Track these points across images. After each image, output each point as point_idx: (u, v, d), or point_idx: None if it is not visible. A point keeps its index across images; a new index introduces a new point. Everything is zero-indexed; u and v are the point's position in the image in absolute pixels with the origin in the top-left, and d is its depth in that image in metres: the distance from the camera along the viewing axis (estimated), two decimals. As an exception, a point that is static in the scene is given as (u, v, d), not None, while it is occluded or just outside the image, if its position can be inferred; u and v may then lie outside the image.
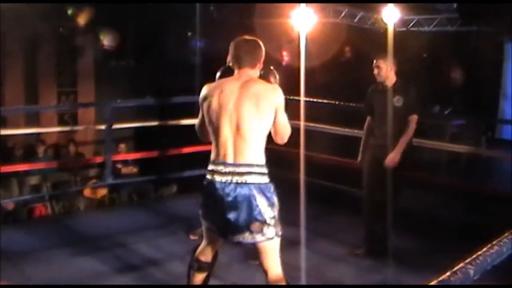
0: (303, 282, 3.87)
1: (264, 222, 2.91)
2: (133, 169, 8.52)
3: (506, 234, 1.67)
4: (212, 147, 3.05)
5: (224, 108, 2.98)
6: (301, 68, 4.55)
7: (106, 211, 7.00)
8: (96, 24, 9.68)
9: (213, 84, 3.14)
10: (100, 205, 8.19)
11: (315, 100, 6.08)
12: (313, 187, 5.12)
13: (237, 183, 2.90)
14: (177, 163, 6.64)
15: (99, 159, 7.19)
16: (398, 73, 4.51)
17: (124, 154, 8.41)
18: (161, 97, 8.49)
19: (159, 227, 5.35)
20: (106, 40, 9.79)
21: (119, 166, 8.30)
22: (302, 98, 4.39)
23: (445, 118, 7.89)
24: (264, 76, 3.18)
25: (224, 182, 2.92)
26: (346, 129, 5.96)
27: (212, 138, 3.06)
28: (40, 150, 8.49)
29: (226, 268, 4.29)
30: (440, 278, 1.30)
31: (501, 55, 11.31)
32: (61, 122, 9.71)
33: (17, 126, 8.79)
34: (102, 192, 8.36)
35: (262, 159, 2.97)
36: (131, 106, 8.13)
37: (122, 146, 8.73)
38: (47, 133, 9.14)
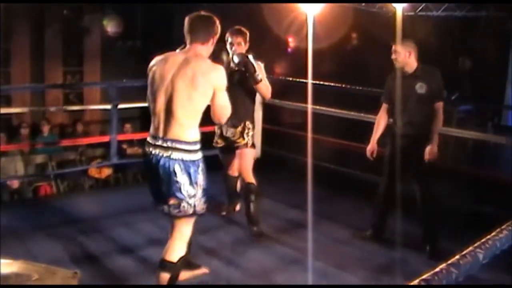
0: (307, 263, 3.89)
1: (181, 199, 2.99)
2: (138, 150, 8.52)
3: (515, 219, 1.67)
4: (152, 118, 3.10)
5: (162, 80, 3.02)
6: (309, 50, 4.51)
7: (111, 191, 7.03)
8: (103, 4, 9.64)
9: (161, 56, 3.18)
10: (105, 185, 8.23)
11: (321, 83, 6.05)
12: (319, 169, 5.11)
13: (162, 157, 2.97)
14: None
15: (104, 139, 7.19)
16: (419, 58, 4.31)
17: (130, 134, 8.41)
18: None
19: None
20: (110, 27, 9.75)
21: (124, 146, 8.32)
22: (310, 81, 4.36)
23: (452, 103, 7.85)
24: (217, 53, 3.29)
25: (155, 155, 3.00)
26: (353, 113, 5.91)
27: (150, 108, 3.11)
28: (45, 129, 8.50)
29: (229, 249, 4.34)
30: (450, 261, 1.31)
31: (509, 41, 11.20)
32: (67, 102, 9.71)
33: (22, 105, 8.80)
34: (107, 172, 8.39)
35: (191, 136, 3.00)
36: (137, 86, 8.10)
37: (128, 126, 8.74)
38: (52, 112, 9.14)
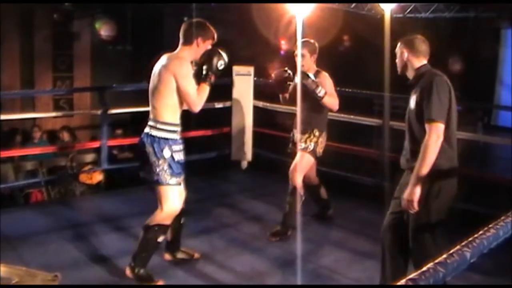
0: (298, 266, 3.90)
1: (150, 168, 3.59)
2: (129, 155, 8.50)
3: (502, 218, 1.68)
4: None
5: (152, 75, 3.68)
6: (298, 53, 4.53)
7: (102, 196, 6.99)
8: (93, 8, 9.62)
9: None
10: (96, 191, 8.20)
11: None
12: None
13: (146, 133, 3.66)
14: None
15: (95, 144, 7.17)
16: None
17: (120, 139, 8.38)
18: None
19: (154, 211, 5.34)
20: (103, 30, 9.72)
21: (115, 152, 8.29)
22: (299, 81, 4.36)
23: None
24: (207, 55, 3.66)
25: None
26: (343, 115, 5.91)
27: None
28: (36, 135, 8.46)
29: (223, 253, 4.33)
30: (437, 260, 1.31)
31: (498, 41, 11.29)
32: (57, 107, 9.68)
33: (12, 111, 8.76)
34: (98, 177, 8.35)
35: (166, 118, 3.59)
36: (128, 91, 8.09)
37: (119, 132, 8.71)
38: (42, 118, 9.10)
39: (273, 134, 6.85)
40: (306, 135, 4.62)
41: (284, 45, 11.07)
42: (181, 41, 3.65)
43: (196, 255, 4.18)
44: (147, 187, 3.78)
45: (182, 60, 3.57)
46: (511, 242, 1.72)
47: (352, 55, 10.55)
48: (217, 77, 3.73)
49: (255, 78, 6.48)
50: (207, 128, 6.65)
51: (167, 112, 3.60)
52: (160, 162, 3.58)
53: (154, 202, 5.77)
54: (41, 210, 5.65)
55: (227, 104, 6.66)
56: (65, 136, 8.96)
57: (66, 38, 9.81)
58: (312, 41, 4.62)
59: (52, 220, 5.07)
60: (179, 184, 3.75)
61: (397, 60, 3.38)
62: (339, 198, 5.41)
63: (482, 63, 10.77)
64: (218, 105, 6.63)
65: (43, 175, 7.98)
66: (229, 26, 9.79)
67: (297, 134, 4.68)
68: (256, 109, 6.68)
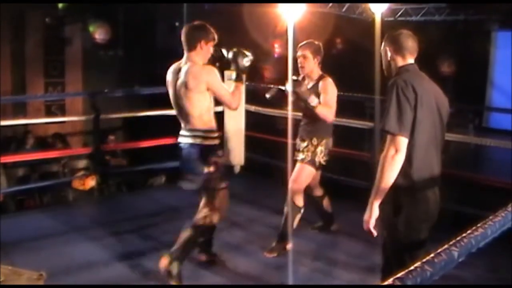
0: (291, 269, 3.90)
1: (198, 177, 3.66)
2: (122, 161, 8.49)
3: (490, 217, 1.69)
4: None
5: (170, 87, 3.79)
6: (289, 56, 4.53)
7: (95, 202, 6.98)
8: (84, 13, 9.61)
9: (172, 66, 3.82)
10: (89, 196, 8.17)
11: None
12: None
13: (190, 144, 3.70)
14: (166, 154, 6.63)
15: (87, 150, 7.16)
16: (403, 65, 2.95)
17: (113, 145, 8.37)
18: (149, 87, 8.46)
19: (148, 217, 5.35)
20: (98, 34, 9.71)
21: (107, 157, 8.27)
22: (289, 87, 4.37)
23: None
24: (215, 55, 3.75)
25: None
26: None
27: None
28: (28, 141, 8.43)
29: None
30: (424, 260, 1.32)
31: (489, 43, 11.35)
32: (49, 113, 9.65)
33: (3, 117, 8.71)
34: (91, 183, 8.32)
35: (207, 125, 3.66)
36: (120, 96, 8.09)
37: (112, 138, 8.70)
38: (34, 124, 9.07)
39: (266, 138, 6.86)
40: (304, 144, 4.44)
41: (277, 48, 11.09)
42: (186, 47, 3.69)
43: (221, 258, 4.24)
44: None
45: (206, 68, 3.64)
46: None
47: (344, 58, 10.58)
48: (247, 73, 3.87)
49: (247, 83, 6.48)
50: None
51: (206, 120, 3.68)
52: (211, 169, 3.66)
53: (150, 206, 5.81)
54: (34, 216, 5.63)
55: (219, 108, 6.66)
56: (57, 142, 8.93)
57: (58, 43, 9.79)
58: (316, 42, 4.43)
59: (44, 226, 5.05)
60: (227, 187, 3.83)
61: (382, 60, 3.04)
62: (331, 200, 5.41)
63: (473, 66, 10.82)
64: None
65: (35, 181, 7.96)
66: (220, 30, 9.80)
67: (299, 142, 4.52)
68: (248, 113, 6.70)
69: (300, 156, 4.43)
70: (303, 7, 4.93)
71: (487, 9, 9.76)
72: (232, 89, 3.76)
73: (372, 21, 7.25)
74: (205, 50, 3.69)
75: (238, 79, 3.78)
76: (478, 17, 10.22)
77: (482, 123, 11.06)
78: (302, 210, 4.42)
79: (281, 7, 4.98)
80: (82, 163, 8.56)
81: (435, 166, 2.86)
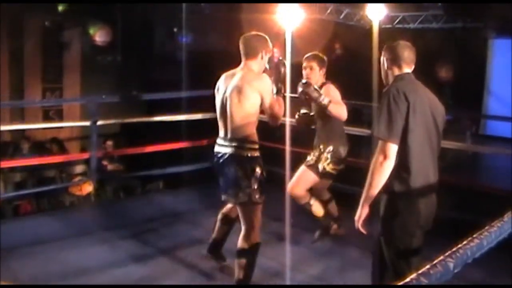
0: (288, 276, 3.90)
1: (238, 189, 3.50)
2: (119, 166, 8.48)
3: (486, 228, 1.69)
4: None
5: (219, 92, 3.65)
6: (287, 63, 4.53)
7: (92, 207, 6.96)
8: (82, 18, 9.62)
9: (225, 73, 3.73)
10: (86, 202, 8.16)
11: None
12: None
13: (231, 154, 3.55)
14: (163, 159, 6.64)
15: (84, 156, 7.15)
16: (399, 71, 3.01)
17: (110, 150, 8.36)
18: (147, 93, 8.48)
19: (145, 222, 5.34)
20: (99, 36, 9.71)
21: (105, 163, 8.26)
22: (288, 94, 4.37)
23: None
24: (270, 66, 3.70)
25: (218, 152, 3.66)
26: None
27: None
28: (25, 146, 8.42)
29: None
30: (420, 271, 1.32)
31: (486, 51, 11.40)
32: (46, 118, 9.64)
33: (1, 122, 8.71)
34: (88, 188, 8.30)
35: (251, 136, 3.53)
36: (118, 102, 8.08)
37: (109, 143, 8.69)
38: (31, 129, 9.06)
39: (265, 145, 6.86)
40: (315, 150, 4.53)
41: (276, 53, 11.10)
42: (245, 55, 3.62)
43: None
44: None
45: (262, 76, 3.59)
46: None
47: (341, 65, 10.60)
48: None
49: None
50: (200, 139, 6.62)
51: (251, 130, 3.56)
52: (252, 181, 3.51)
53: (147, 211, 5.81)
54: (30, 221, 5.63)
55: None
56: (54, 147, 8.92)
57: (56, 47, 9.78)
58: (321, 55, 4.56)
59: (41, 232, 5.03)
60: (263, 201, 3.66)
61: (381, 70, 3.08)
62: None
63: (470, 73, 10.86)
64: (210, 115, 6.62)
65: (32, 186, 7.95)
66: (219, 35, 9.83)
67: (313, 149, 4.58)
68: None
69: (307, 158, 4.51)
70: (301, 15, 4.95)
71: (485, 17, 9.80)
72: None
73: (370, 29, 7.29)
74: (264, 60, 3.66)
75: (278, 92, 3.64)
76: (475, 25, 10.26)
77: (480, 130, 11.09)
78: (312, 201, 4.51)
79: (279, 14, 5.00)
80: (79, 168, 8.54)
81: (431, 173, 2.91)
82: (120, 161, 8.50)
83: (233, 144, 3.53)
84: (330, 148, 4.44)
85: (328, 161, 4.42)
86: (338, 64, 10.92)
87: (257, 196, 3.54)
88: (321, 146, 4.45)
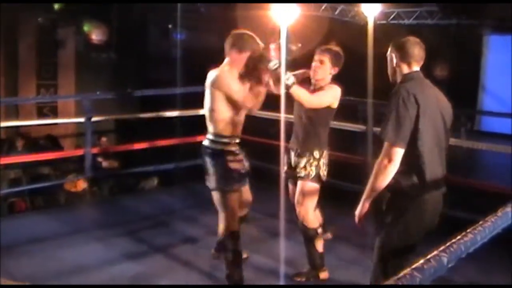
0: (283, 273, 3.90)
1: (210, 178, 3.71)
2: (114, 163, 8.46)
3: (480, 223, 1.70)
4: None
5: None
6: (282, 60, 4.50)
7: (87, 205, 6.96)
8: (77, 16, 9.59)
9: None
10: (80, 199, 8.14)
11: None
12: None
13: (205, 146, 3.76)
14: (158, 156, 6.63)
15: (78, 152, 7.13)
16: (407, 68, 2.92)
17: (105, 147, 8.35)
18: (142, 90, 8.45)
19: (140, 219, 5.34)
20: (95, 34, 9.69)
21: (100, 160, 8.25)
22: (283, 91, 4.35)
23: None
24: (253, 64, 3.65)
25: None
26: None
27: None
28: (19, 143, 8.39)
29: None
30: (414, 266, 1.32)
31: (480, 47, 11.42)
32: (41, 115, 9.61)
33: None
34: (83, 185, 8.29)
35: (221, 131, 3.66)
36: (113, 99, 8.06)
37: (104, 140, 8.67)
38: (25, 126, 9.04)
39: (258, 141, 6.85)
40: (305, 159, 3.94)
41: (273, 51, 11.07)
42: (227, 52, 3.68)
43: (244, 255, 4.06)
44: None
45: (226, 74, 3.63)
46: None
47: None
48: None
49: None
50: (194, 135, 6.62)
51: (221, 125, 3.68)
52: (221, 172, 3.68)
53: (142, 208, 5.80)
54: (25, 219, 5.61)
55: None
56: (49, 144, 8.90)
57: (51, 45, 9.76)
58: (338, 49, 4.00)
59: (36, 229, 5.02)
60: (236, 191, 3.79)
61: (388, 66, 2.98)
62: (323, 204, 5.41)
63: (465, 69, 10.88)
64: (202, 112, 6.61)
65: (26, 183, 7.92)
66: (214, 32, 9.81)
67: (292, 153, 4.05)
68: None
69: (302, 173, 3.94)
70: (297, 11, 4.92)
71: (480, 13, 9.81)
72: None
73: (365, 25, 7.28)
74: (244, 59, 3.64)
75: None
76: (470, 21, 10.27)
77: (474, 127, 11.11)
78: (320, 230, 4.05)
79: (274, 11, 4.97)
80: (73, 165, 8.52)
81: (440, 173, 2.87)
82: (115, 158, 8.48)
83: (210, 137, 3.73)
84: (325, 152, 4.00)
85: (326, 167, 4.01)
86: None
87: (227, 185, 3.69)
88: (316, 153, 3.93)
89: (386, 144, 2.70)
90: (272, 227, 4.92)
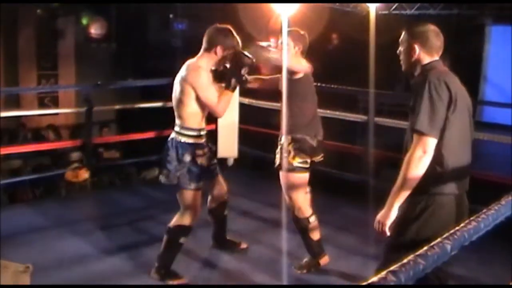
0: (284, 262, 3.90)
1: (172, 172, 3.64)
2: (115, 154, 8.46)
3: (484, 210, 1.69)
4: None
5: (174, 84, 3.70)
6: (284, 51, 4.48)
7: (88, 195, 6.96)
8: (77, 6, 9.56)
9: None
10: (82, 189, 8.13)
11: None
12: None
13: (171, 138, 3.73)
14: (159, 146, 6.61)
15: (79, 143, 7.13)
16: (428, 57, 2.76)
17: (106, 137, 8.35)
18: (142, 80, 8.44)
19: (140, 210, 5.35)
20: (94, 28, 9.66)
21: (101, 150, 8.25)
22: (284, 78, 4.32)
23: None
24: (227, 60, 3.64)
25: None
26: (328, 111, 5.90)
27: None
28: (21, 134, 8.39)
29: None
30: (417, 253, 1.32)
31: (482, 38, 11.38)
32: (42, 105, 9.61)
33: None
34: (84, 176, 8.28)
35: (189, 123, 3.64)
36: (113, 89, 8.06)
37: (106, 130, 8.67)
38: (27, 116, 9.03)
39: (259, 131, 6.85)
40: (279, 145, 3.91)
41: (272, 43, 11.03)
42: (203, 46, 3.65)
43: (243, 245, 4.32)
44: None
45: (200, 69, 3.57)
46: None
47: (338, 52, 10.57)
48: (242, 82, 3.69)
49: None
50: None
51: (189, 118, 3.65)
52: (180, 166, 3.64)
53: (143, 198, 5.81)
54: (26, 209, 5.61)
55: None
56: (50, 134, 8.89)
57: (51, 35, 9.74)
58: (298, 29, 3.96)
59: (36, 220, 5.04)
60: (199, 189, 3.75)
61: (402, 56, 2.79)
62: (323, 194, 5.42)
63: (466, 60, 10.84)
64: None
65: (28, 173, 7.92)
66: (215, 23, 9.76)
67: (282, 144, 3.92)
68: (241, 106, 6.68)
69: (277, 162, 3.93)
70: (297, 5, 4.89)
71: (481, 4, 9.77)
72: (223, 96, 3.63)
73: (366, 15, 7.25)
74: (220, 56, 3.62)
75: (228, 86, 3.62)
76: (472, 12, 10.23)
77: (476, 117, 11.09)
78: (312, 218, 3.98)
79: (275, 2, 4.95)
80: (75, 156, 8.52)
81: (466, 168, 2.71)
82: (116, 148, 8.48)
83: (176, 129, 3.70)
84: (297, 138, 3.85)
85: (292, 154, 3.84)
86: (334, 49, 10.91)
87: (186, 182, 3.66)
88: (289, 138, 3.83)
89: (419, 134, 2.51)
90: (273, 217, 4.93)
